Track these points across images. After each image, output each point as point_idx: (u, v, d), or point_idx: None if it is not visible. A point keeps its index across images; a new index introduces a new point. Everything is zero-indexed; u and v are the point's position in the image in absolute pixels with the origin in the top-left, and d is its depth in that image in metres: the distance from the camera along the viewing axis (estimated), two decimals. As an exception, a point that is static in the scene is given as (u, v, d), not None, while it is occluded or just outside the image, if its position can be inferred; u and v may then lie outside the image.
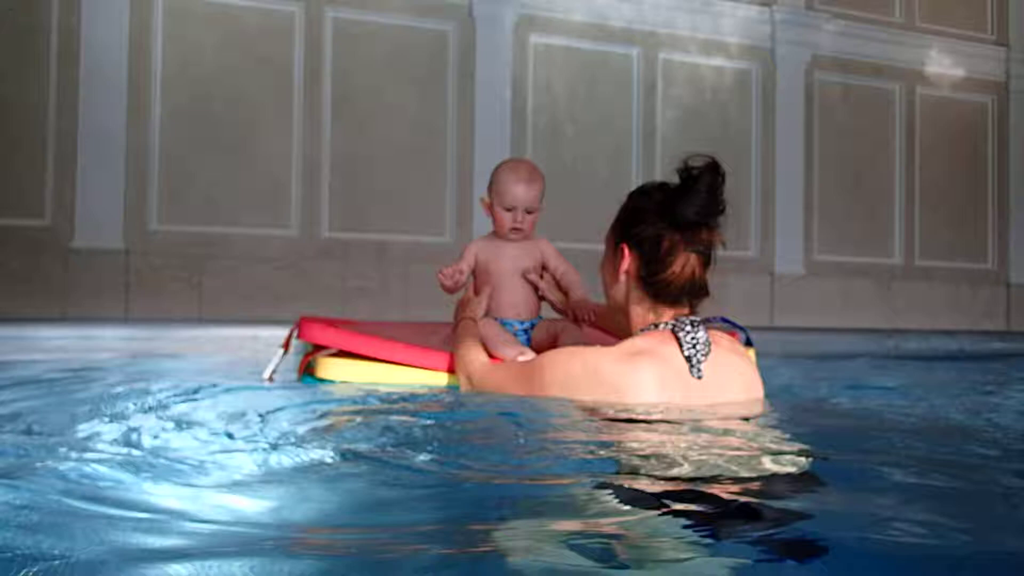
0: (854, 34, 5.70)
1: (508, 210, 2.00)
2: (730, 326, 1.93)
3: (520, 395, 1.59)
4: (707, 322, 1.56)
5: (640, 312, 1.58)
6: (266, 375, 1.85)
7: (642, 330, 1.56)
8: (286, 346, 1.90)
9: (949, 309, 5.82)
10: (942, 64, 6.01)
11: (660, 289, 1.53)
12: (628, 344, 1.53)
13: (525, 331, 2.05)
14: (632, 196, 1.65)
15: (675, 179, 1.52)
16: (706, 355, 1.47)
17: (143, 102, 4.24)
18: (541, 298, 2.10)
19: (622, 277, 1.59)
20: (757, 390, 1.56)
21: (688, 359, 1.47)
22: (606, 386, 1.46)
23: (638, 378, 1.45)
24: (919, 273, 5.91)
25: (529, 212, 2.01)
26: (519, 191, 2.00)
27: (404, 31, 4.72)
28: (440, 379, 1.87)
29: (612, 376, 1.46)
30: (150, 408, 1.30)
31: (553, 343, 1.95)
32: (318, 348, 1.86)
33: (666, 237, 1.51)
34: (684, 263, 1.51)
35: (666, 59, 5.29)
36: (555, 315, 2.10)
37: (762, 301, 5.29)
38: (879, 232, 5.86)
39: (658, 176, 5.51)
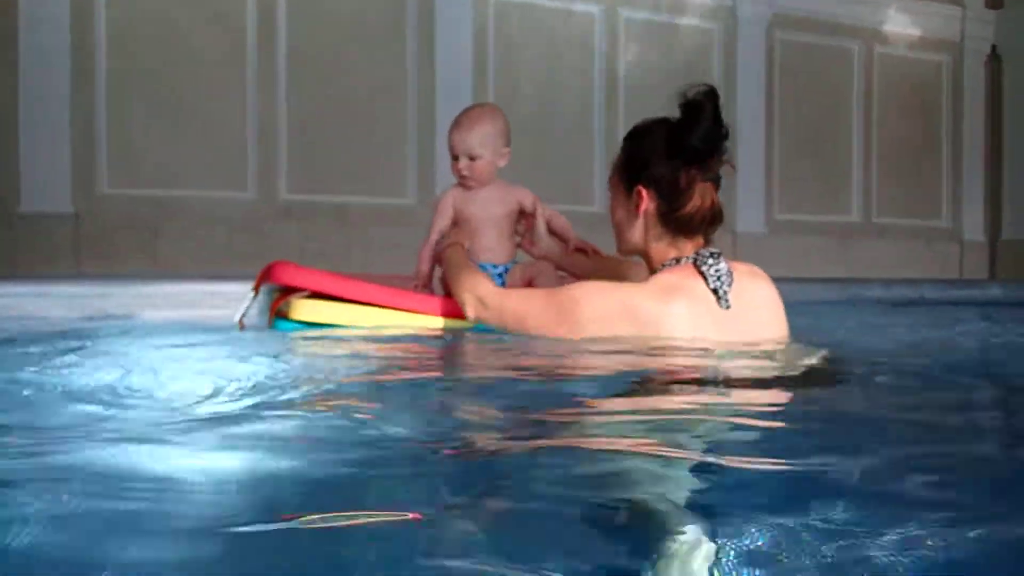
0: (814, -8, 5.72)
1: (455, 158, 1.97)
2: None
3: (546, 330, 1.56)
4: None
5: (661, 248, 1.59)
6: (237, 318, 1.81)
7: (664, 265, 1.58)
8: (256, 289, 1.85)
9: (905, 264, 5.95)
10: (899, 23, 6.06)
11: (682, 223, 1.54)
12: (658, 280, 1.55)
13: (499, 275, 2.05)
14: (635, 137, 1.63)
15: (649, 121, 1.56)
16: (730, 285, 1.51)
17: (87, 63, 4.07)
18: (518, 245, 2.09)
19: (640, 218, 1.59)
20: (780, 310, 1.62)
21: (715, 291, 1.51)
22: (642, 322, 1.49)
23: (673, 313, 1.48)
24: (876, 230, 6.02)
25: (472, 159, 1.95)
26: (454, 138, 1.97)
27: (361, -14, 4.59)
28: (420, 321, 1.84)
29: (649, 312, 1.49)
30: (117, 364, 1.26)
31: (528, 287, 1.95)
32: (288, 292, 1.82)
33: (682, 172, 1.52)
34: (703, 194, 1.54)
35: (628, 17, 5.25)
36: (528, 259, 2.09)
37: (724, 260, 5.34)
38: (838, 191, 5.94)
39: (621, 133, 5.48)
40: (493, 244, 2.03)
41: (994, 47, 6.37)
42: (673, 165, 1.52)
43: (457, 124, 1.97)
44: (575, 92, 5.12)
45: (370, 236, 4.55)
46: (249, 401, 0.96)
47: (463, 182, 1.99)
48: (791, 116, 5.74)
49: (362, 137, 4.60)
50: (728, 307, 1.50)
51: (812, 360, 1.40)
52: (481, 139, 1.96)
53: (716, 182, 1.55)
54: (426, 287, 1.98)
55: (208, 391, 1.02)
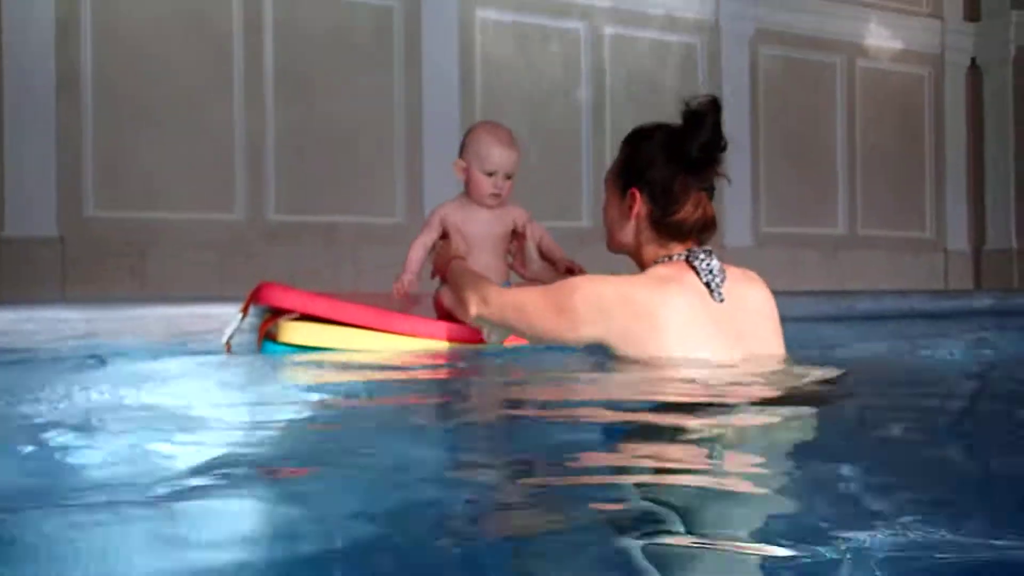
0: (795, 7, 5.78)
1: (489, 174, 1.95)
2: None
3: (545, 321, 1.57)
4: None
5: (652, 249, 1.62)
6: (224, 340, 1.79)
7: (657, 262, 1.61)
8: (244, 311, 1.84)
9: (891, 275, 6.00)
10: (880, 37, 6.15)
11: (673, 229, 1.57)
12: (652, 272, 1.58)
13: None
14: (634, 140, 1.65)
15: (627, 140, 1.62)
16: (723, 280, 1.54)
17: (73, 84, 4.05)
18: (510, 266, 2.10)
19: (632, 220, 1.61)
20: (775, 315, 1.65)
21: (708, 285, 1.53)
22: (639, 311, 1.50)
23: (669, 302, 1.50)
24: (862, 242, 6.06)
25: (508, 177, 1.97)
26: (502, 155, 1.95)
27: (349, 6, 4.61)
28: (409, 344, 1.83)
29: (645, 301, 1.51)
30: (104, 387, 1.24)
31: None
32: (277, 314, 1.80)
33: (677, 179, 1.54)
34: (696, 203, 1.56)
35: (613, 33, 5.29)
36: (520, 280, 2.10)
37: (713, 274, 5.36)
38: (824, 203, 5.99)
39: (608, 148, 5.52)
40: (489, 263, 2.02)
41: (973, 59, 6.47)
42: (669, 171, 1.54)
43: (499, 141, 1.96)
44: (561, 108, 5.14)
45: (359, 255, 4.54)
46: (228, 431, 0.94)
47: (488, 200, 1.97)
48: (776, 129, 5.79)
49: (349, 157, 4.60)
50: (722, 300, 1.52)
51: (813, 379, 1.41)
52: (518, 160, 1.99)
53: (710, 192, 1.58)
54: (411, 286, 1.99)
55: (190, 419, 1.01)
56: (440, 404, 1.35)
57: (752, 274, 1.65)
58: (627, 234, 1.63)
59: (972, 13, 6.47)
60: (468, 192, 2.02)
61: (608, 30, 5.27)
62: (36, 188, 3.97)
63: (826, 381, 1.40)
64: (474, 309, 1.69)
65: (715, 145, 1.51)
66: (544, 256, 2.07)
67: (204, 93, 4.30)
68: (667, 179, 1.54)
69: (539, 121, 5.05)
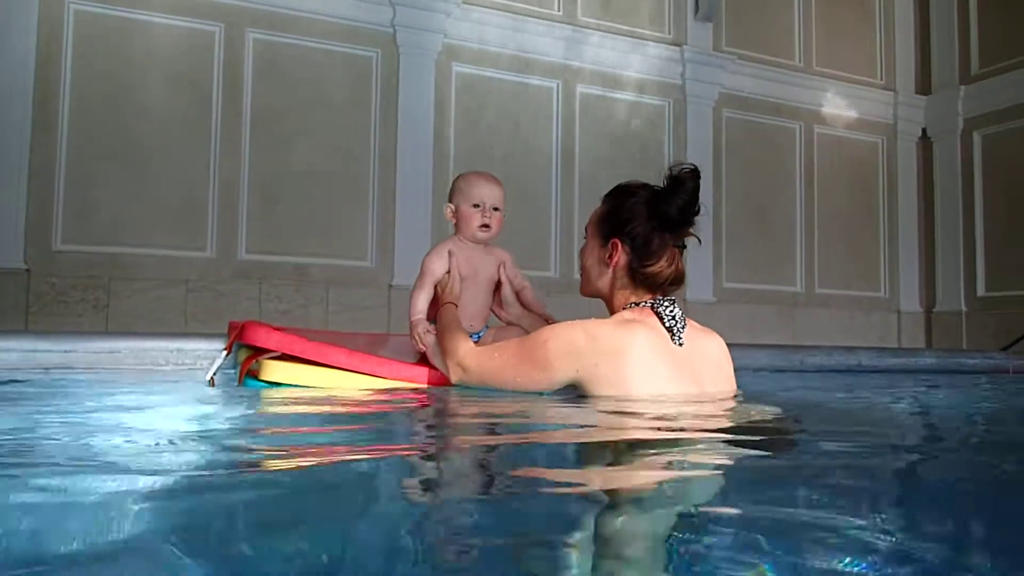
0: (757, 75, 6.06)
1: (476, 206, 2.04)
2: None
3: (523, 377, 1.66)
4: None
5: (624, 296, 1.74)
6: (208, 376, 1.81)
7: (625, 307, 1.73)
8: (229, 348, 1.87)
9: (847, 332, 6.18)
10: (837, 106, 6.45)
11: (647, 280, 1.70)
12: (619, 315, 1.70)
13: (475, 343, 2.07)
14: (619, 195, 1.78)
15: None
16: (683, 327, 1.67)
17: (50, 117, 4.08)
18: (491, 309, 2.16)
19: (611, 268, 1.74)
20: (729, 366, 1.79)
21: (670, 329, 1.66)
22: (606, 348, 1.60)
23: (635, 341, 1.60)
24: (819, 300, 6.25)
25: (496, 209, 2.06)
26: (485, 186, 2.06)
27: (328, 55, 4.73)
28: (387, 384, 1.87)
29: (613, 341, 1.60)
30: (83, 420, 1.25)
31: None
32: (258, 352, 1.83)
33: (656, 235, 1.69)
34: (671, 258, 1.70)
35: (584, 92, 5.48)
36: (499, 323, 2.16)
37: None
38: (782, 262, 6.18)
39: (576, 202, 5.65)
40: (478, 303, 2.09)
41: (924, 130, 6.80)
42: (650, 227, 1.68)
43: (482, 177, 2.09)
44: (533, 162, 5.29)
45: (329, 297, 4.57)
46: (202, 463, 0.94)
47: (479, 232, 2.05)
48: (738, 189, 5.99)
49: (323, 201, 4.67)
50: (681, 344, 1.65)
51: (764, 417, 1.50)
52: (502, 194, 2.10)
53: (682, 249, 1.73)
54: (428, 334, 1.98)
55: (171, 451, 1.02)
56: (405, 437, 1.37)
57: (711, 331, 1.79)
58: (603, 280, 1.75)
59: (923, 87, 6.83)
60: (460, 232, 2.09)
61: (580, 89, 5.46)
62: (5, 220, 3.97)
63: (771, 419, 1.49)
64: (454, 378, 1.81)
65: (692, 208, 1.67)
66: (523, 305, 2.13)
67: (181, 134, 4.36)
68: (648, 234, 1.68)
69: (510, 173, 5.18)
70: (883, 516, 0.76)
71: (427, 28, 4.93)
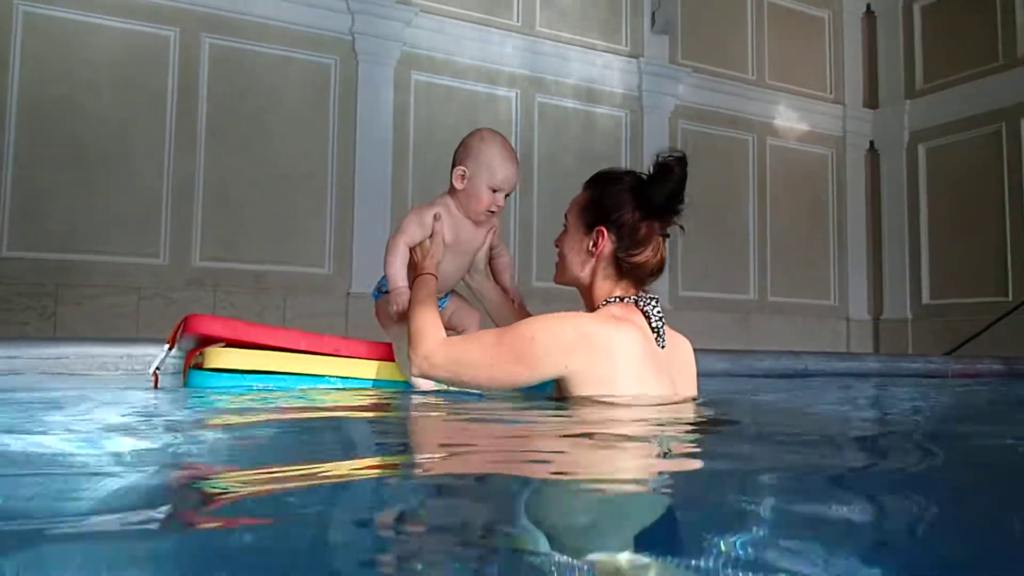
0: (712, 88, 6.19)
1: (494, 191, 1.84)
2: None
3: (503, 374, 1.54)
4: None
5: (605, 287, 1.67)
6: (151, 370, 1.77)
7: (608, 301, 1.65)
8: (171, 342, 1.82)
9: (799, 339, 6.32)
10: (788, 118, 6.62)
11: (632, 269, 1.64)
12: (606, 311, 1.62)
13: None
14: (603, 181, 1.70)
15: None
16: (664, 327, 1.63)
17: (-4, 121, 3.99)
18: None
19: (594, 257, 1.66)
20: (694, 361, 1.77)
21: (655, 330, 1.61)
22: (597, 347, 1.53)
23: (627, 342, 1.54)
24: (772, 308, 6.39)
25: (507, 195, 1.89)
26: (512, 173, 1.85)
27: (286, 61, 4.70)
28: (338, 366, 1.82)
29: (604, 338, 1.54)
30: (22, 422, 1.22)
31: (449, 319, 1.95)
32: (203, 344, 1.80)
33: (644, 223, 1.63)
34: (656, 247, 1.65)
35: (542, 102, 5.53)
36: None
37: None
38: (736, 271, 6.30)
39: (535, 209, 5.68)
40: (455, 276, 1.92)
41: (872, 142, 7.01)
42: (638, 215, 1.62)
43: (511, 158, 1.87)
44: (491, 170, 5.30)
45: (286, 304, 4.53)
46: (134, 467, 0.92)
47: (481, 216, 1.86)
48: (693, 199, 6.04)
49: (280, 208, 4.63)
50: (663, 347, 1.61)
51: (710, 413, 1.54)
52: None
53: (666, 238, 1.68)
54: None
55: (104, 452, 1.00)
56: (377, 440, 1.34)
57: (681, 335, 1.75)
58: (585, 270, 1.67)
59: (871, 101, 7.04)
60: (461, 202, 1.87)
61: (539, 98, 5.52)
62: (-52, 225, 3.85)
63: (723, 418, 1.52)
64: (415, 369, 1.63)
65: (679, 196, 1.61)
66: (493, 271, 1.98)
67: (134, 139, 4.29)
68: (635, 222, 1.62)
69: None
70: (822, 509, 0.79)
71: (386, 36, 4.93)
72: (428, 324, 1.67)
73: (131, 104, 4.29)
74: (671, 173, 1.59)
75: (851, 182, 6.91)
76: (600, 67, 5.72)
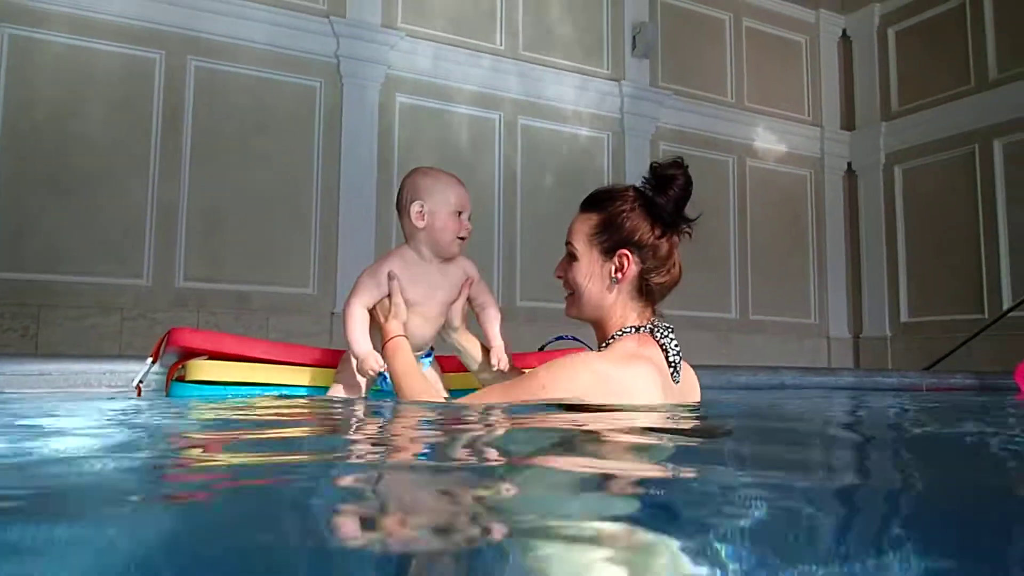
0: (692, 110, 6.30)
1: (459, 213, 1.73)
2: (577, 343, 2.09)
3: None
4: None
5: (624, 315, 1.56)
6: (134, 383, 1.79)
7: (622, 332, 1.54)
8: (155, 356, 1.84)
9: (780, 357, 6.38)
10: (767, 140, 6.73)
11: (659, 290, 1.56)
12: (620, 347, 1.52)
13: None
14: (607, 201, 1.58)
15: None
16: (681, 362, 1.54)
17: (-19, 142, 4.00)
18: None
19: (617, 282, 1.55)
20: (698, 389, 1.68)
21: (672, 365, 1.51)
22: (616, 390, 1.44)
23: (642, 381, 1.46)
24: (753, 326, 6.46)
25: (469, 217, 1.76)
26: (462, 190, 1.76)
27: (271, 84, 4.75)
28: (319, 377, 1.83)
29: (623, 383, 1.44)
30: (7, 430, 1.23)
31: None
32: (185, 358, 1.82)
33: (663, 239, 1.55)
34: (676, 261, 1.58)
35: (525, 124, 5.61)
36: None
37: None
38: (718, 289, 6.37)
39: (518, 230, 5.71)
40: (428, 336, 1.77)
41: (849, 163, 7.14)
42: (657, 231, 1.54)
43: (456, 179, 1.79)
44: (475, 191, 5.32)
45: (269, 324, 4.54)
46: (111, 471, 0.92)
47: (453, 246, 1.75)
48: (675, 219, 6.16)
49: (265, 228, 4.65)
50: (678, 383, 1.52)
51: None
52: None
53: None
54: (378, 363, 1.65)
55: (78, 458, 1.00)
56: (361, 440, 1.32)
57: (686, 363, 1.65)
58: (603, 296, 1.55)
59: (847, 123, 7.18)
60: (425, 243, 1.74)
61: (522, 121, 5.59)
62: (-70, 246, 3.85)
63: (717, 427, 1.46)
64: None
65: (686, 202, 1.53)
66: (482, 325, 1.82)
67: (118, 161, 4.31)
68: (655, 239, 1.53)
69: (453, 201, 5.25)
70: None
71: (371, 59, 5.00)
72: (422, 393, 1.60)
73: (116, 125, 4.32)
74: (675, 181, 1.51)
75: (829, 202, 7.03)
76: (582, 90, 5.81)
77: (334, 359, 1.87)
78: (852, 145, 7.11)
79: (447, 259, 1.76)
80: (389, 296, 1.71)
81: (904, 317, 6.67)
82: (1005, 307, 5.68)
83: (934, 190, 6.53)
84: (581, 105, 5.81)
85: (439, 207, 1.73)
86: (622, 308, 1.55)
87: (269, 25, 4.71)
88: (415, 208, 1.73)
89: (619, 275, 1.53)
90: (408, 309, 1.71)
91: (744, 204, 6.55)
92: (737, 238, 6.48)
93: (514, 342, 1.89)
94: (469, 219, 1.76)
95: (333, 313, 4.70)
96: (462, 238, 1.74)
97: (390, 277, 1.70)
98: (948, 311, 6.30)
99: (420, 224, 1.72)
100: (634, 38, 6.02)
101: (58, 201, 4.14)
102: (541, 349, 2.01)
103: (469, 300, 1.82)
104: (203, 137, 4.52)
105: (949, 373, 3.90)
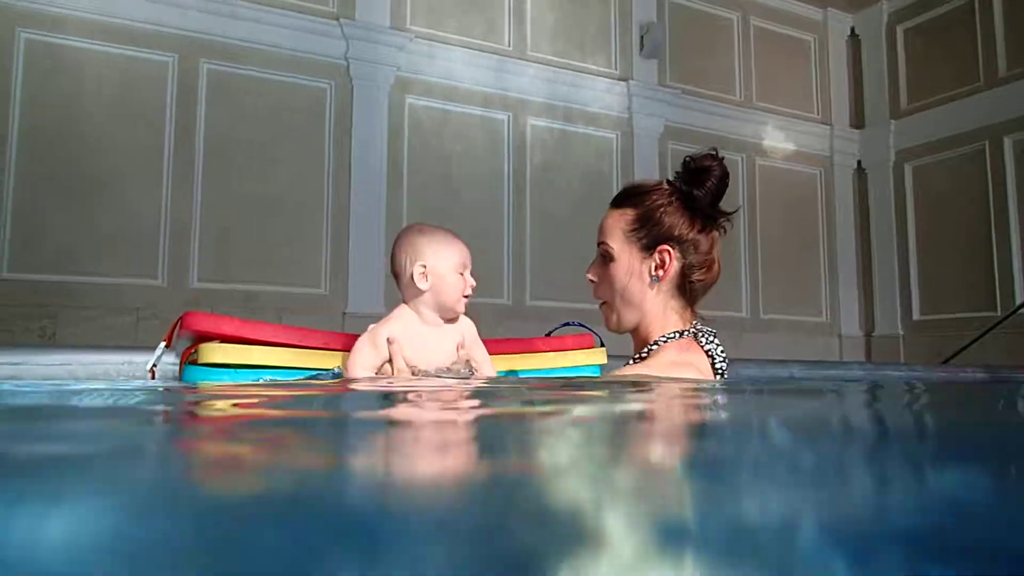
0: (701, 109, 6.31)
1: (462, 272, 1.67)
2: (585, 329, 2.10)
3: None
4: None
5: (667, 317, 1.49)
6: (148, 367, 1.81)
7: (665, 338, 1.47)
8: (168, 340, 1.86)
9: (792, 355, 6.36)
10: (776, 139, 6.73)
11: (701, 288, 1.49)
12: (667, 356, 1.44)
13: None
14: (642, 195, 1.50)
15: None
16: (726, 370, 1.45)
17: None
18: None
19: (659, 281, 1.47)
20: None
21: (718, 372, 1.44)
22: None
23: None
24: (764, 325, 6.45)
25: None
26: (463, 246, 1.69)
27: (282, 86, 4.80)
28: (330, 359, 1.83)
29: None
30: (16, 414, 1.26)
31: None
32: (199, 342, 1.84)
33: (703, 234, 1.46)
34: (717, 258, 1.50)
35: (534, 124, 5.64)
36: None
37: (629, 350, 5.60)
38: (729, 289, 6.37)
39: (528, 229, 5.73)
40: None
41: (859, 161, 7.13)
42: (697, 225, 1.46)
43: (455, 235, 1.72)
44: (485, 191, 5.40)
45: (281, 323, 4.58)
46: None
47: (459, 305, 1.69)
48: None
49: (277, 228, 4.70)
50: None
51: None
52: None
53: None
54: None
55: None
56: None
57: None
58: (645, 297, 1.46)
59: (857, 121, 7.17)
60: (429, 303, 1.68)
61: (531, 121, 5.63)
62: (-51, 248, 3.92)
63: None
64: None
65: (723, 193, 1.45)
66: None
67: (133, 163, 4.37)
68: (696, 234, 1.45)
69: (463, 202, 5.30)
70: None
71: (380, 61, 5.04)
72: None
73: (130, 128, 4.38)
74: (712, 172, 1.43)
75: (840, 200, 7.02)
76: (591, 90, 5.83)
77: (348, 343, 1.87)
78: (862, 143, 7.10)
79: (450, 319, 1.71)
80: (390, 361, 1.64)
81: (916, 315, 6.65)
82: (1017, 303, 5.66)
83: (945, 188, 6.51)
84: (590, 105, 5.84)
85: (442, 266, 1.65)
86: (663, 309, 1.47)
87: (279, 28, 4.77)
88: (417, 270, 1.65)
89: (660, 272, 1.45)
90: (413, 368, 1.65)
91: (754, 203, 6.56)
92: (747, 237, 6.48)
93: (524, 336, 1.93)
94: (471, 274, 1.70)
95: (345, 313, 4.74)
96: (467, 295, 1.68)
97: (390, 342, 1.64)
98: (960, 309, 6.28)
99: (424, 285, 1.65)
100: (642, 38, 6.05)
101: (74, 202, 4.20)
102: (548, 335, 2.02)
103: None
104: (216, 139, 4.58)
105: (958, 367, 3.90)
